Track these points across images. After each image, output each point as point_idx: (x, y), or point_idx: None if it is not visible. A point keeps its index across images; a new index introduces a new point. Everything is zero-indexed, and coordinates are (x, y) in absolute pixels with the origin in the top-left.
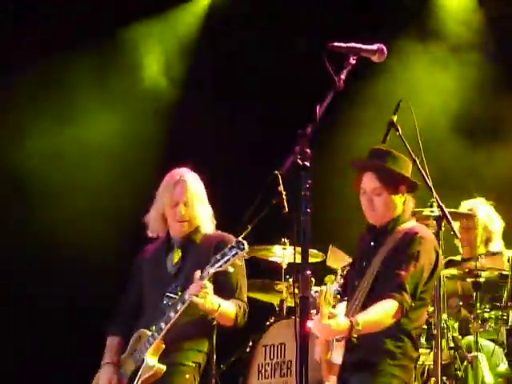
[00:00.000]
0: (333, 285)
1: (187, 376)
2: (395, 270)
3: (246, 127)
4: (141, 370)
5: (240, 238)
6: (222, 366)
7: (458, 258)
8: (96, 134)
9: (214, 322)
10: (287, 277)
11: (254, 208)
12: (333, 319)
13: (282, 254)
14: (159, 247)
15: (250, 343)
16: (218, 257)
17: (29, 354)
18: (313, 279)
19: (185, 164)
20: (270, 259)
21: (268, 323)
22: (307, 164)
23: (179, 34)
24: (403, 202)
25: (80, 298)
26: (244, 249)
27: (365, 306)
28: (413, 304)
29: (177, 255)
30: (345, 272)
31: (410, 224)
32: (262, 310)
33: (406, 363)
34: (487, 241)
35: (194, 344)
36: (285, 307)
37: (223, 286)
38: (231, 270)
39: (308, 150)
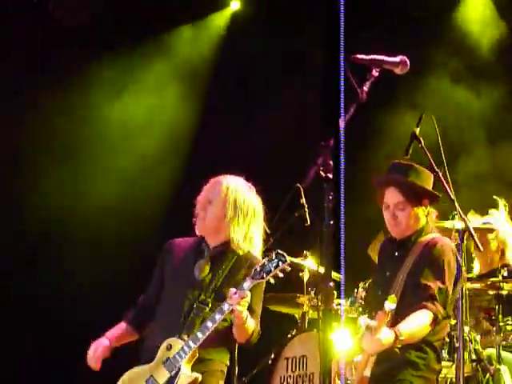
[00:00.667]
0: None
1: (220, 382)
2: (425, 281)
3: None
4: (177, 378)
5: (280, 251)
6: (243, 378)
7: (472, 275)
8: None
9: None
10: (309, 289)
11: (276, 221)
12: (380, 333)
13: (304, 266)
14: (189, 248)
15: (272, 355)
16: (258, 268)
17: (29, 354)
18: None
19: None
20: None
21: (290, 336)
22: (330, 176)
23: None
24: (426, 215)
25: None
26: (286, 261)
27: (394, 317)
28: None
29: (207, 265)
30: (367, 285)
31: (432, 235)
32: (283, 323)
33: (428, 375)
34: (502, 253)
35: (218, 354)
36: (306, 320)
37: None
38: (272, 281)
39: (331, 162)
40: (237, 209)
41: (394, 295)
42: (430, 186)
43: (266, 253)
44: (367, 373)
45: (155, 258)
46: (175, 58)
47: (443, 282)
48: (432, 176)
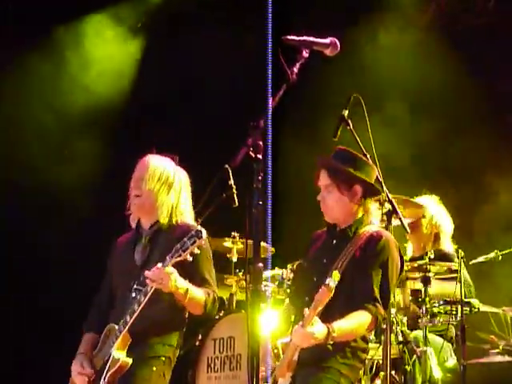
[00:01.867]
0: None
1: (154, 368)
2: (367, 281)
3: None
4: (108, 363)
5: (199, 227)
6: None
7: (406, 258)
8: None
9: (186, 315)
10: (237, 271)
11: (204, 202)
12: (313, 326)
13: (232, 247)
14: (128, 239)
15: (200, 337)
16: (178, 246)
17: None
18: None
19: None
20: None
21: (217, 317)
22: (259, 157)
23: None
24: (361, 205)
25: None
26: (202, 237)
27: (329, 306)
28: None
29: (143, 246)
30: (295, 266)
31: (373, 227)
32: None
33: (354, 363)
34: (436, 237)
35: (161, 338)
36: (234, 301)
37: (192, 276)
38: (190, 258)
39: (260, 143)
40: (164, 183)
41: (337, 271)
42: (368, 178)
43: None
44: (295, 357)
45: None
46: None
47: (387, 281)
48: (375, 171)
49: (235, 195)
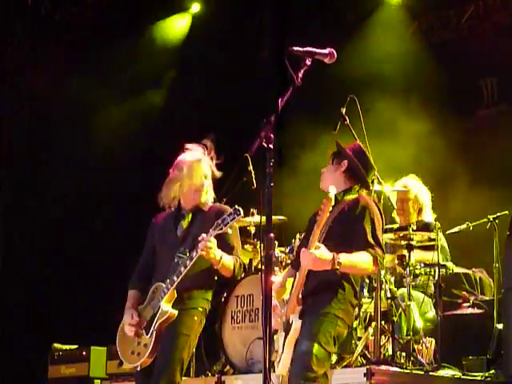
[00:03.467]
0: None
1: (195, 318)
2: (361, 232)
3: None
4: (157, 314)
5: (237, 207)
6: None
7: (395, 226)
8: None
9: (216, 278)
10: (255, 240)
11: (228, 185)
12: (318, 249)
13: (251, 221)
14: (169, 215)
15: (225, 294)
16: (219, 221)
17: None
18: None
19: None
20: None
21: (239, 278)
22: (271, 146)
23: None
24: (348, 177)
25: None
26: (240, 214)
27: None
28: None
29: (186, 222)
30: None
31: (355, 196)
32: None
33: (348, 308)
34: (419, 211)
35: (201, 293)
36: (253, 265)
37: (223, 246)
38: (229, 231)
39: (272, 135)
40: (201, 174)
41: (333, 186)
42: (360, 161)
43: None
44: (301, 294)
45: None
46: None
47: (375, 230)
48: (373, 170)
49: (253, 179)
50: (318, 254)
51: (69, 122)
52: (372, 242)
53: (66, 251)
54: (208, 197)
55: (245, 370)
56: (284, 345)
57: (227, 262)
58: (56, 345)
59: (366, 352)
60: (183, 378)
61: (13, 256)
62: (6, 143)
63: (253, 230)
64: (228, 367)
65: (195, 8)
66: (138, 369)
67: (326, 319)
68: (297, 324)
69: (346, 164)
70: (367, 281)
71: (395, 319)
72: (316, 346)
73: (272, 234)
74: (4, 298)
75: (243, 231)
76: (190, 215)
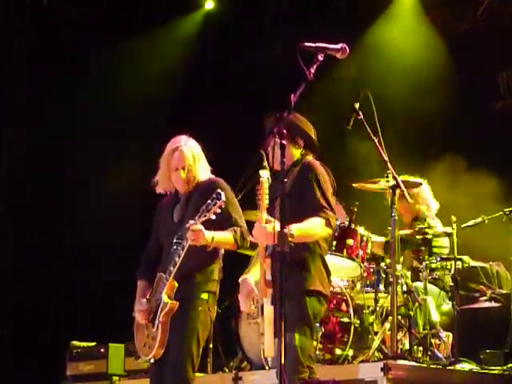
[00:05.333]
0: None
1: (200, 308)
2: (311, 195)
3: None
4: (160, 306)
5: (219, 190)
6: (217, 309)
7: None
8: None
9: (221, 251)
10: None
11: (243, 180)
12: (269, 224)
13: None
14: (169, 201)
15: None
16: (204, 207)
17: None
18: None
19: (184, 132)
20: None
21: (246, 246)
22: (284, 143)
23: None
24: (301, 153)
25: None
26: (221, 198)
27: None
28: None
29: (180, 206)
30: None
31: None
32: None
33: (322, 278)
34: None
35: (203, 275)
36: None
37: (220, 221)
38: (213, 217)
39: (285, 131)
40: (194, 159)
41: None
42: (307, 131)
43: None
44: (268, 277)
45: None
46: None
47: (324, 192)
48: (310, 128)
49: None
50: (270, 229)
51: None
52: (323, 203)
53: (84, 248)
54: (191, 177)
55: (261, 365)
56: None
57: (221, 237)
58: (74, 342)
59: (383, 347)
60: (200, 374)
61: (30, 252)
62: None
63: None
64: (245, 363)
65: (209, 5)
66: (152, 361)
67: (300, 301)
68: (268, 309)
69: (301, 144)
70: (383, 275)
71: (412, 313)
72: (297, 336)
73: (285, 230)
74: (22, 295)
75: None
76: (184, 198)
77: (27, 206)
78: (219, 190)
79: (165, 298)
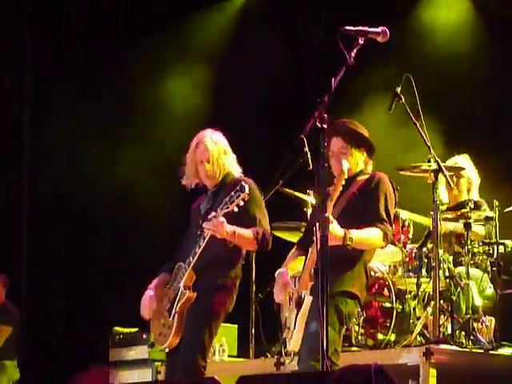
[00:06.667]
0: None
1: (214, 299)
2: (374, 206)
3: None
4: (178, 296)
5: (243, 183)
6: (259, 294)
7: (444, 207)
8: None
9: (242, 251)
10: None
11: (284, 166)
12: (331, 224)
13: (308, 202)
14: (200, 199)
15: None
16: (227, 199)
17: None
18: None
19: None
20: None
21: (268, 249)
22: (325, 127)
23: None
24: (364, 161)
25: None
26: (244, 191)
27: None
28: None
29: (208, 200)
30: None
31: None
32: (290, 248)
33: (362, 284)
34: (468, 190)
35: (220, 271)
36: None
37: (244, 219)
38: (236, 209)
39: (325, 115)
40: (220, 151)
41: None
42: (367, 137)
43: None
44: (312, 271)
45: None
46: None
47: (387, 205)
48: (366, 132)
49: (309, 160)
50: (331, 230)
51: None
52: (383, 216)
53: (127, 236)
54: (232, 170)
55: None
56: (296, 321)
57: (243, 234)
58: (117, 328)
59: (425, 331)
60: (242, 359)
61: (73, 243)
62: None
63: (309, 210)
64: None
65: None
66: (167, 350)
67: (338, 298)
68: (308, 300)
69: (364, 152)
70: (425, 260)
71: (454, 298)
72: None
73: (327, 214)
74: (66, 283)
75: (300, 210)
76: (211, 193)
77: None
78: (243, 183)
79: (182, 287)
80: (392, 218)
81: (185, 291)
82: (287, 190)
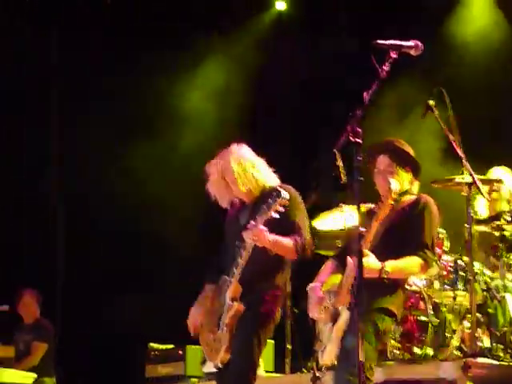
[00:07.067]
0: None
1: (263, 312)
2: (416, 232)
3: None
4: (225, 310)
5: (279, 188)
6: (295, 309)
7: (479, 217)
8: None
9: (285, 260)
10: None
11: (317, 180)
12: (367, 257)
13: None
14: (237, 208)
15: None
16: (264, 206)
17: None
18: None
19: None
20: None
21: (308, 256)
22: (359, 140)
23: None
24: (409, 181)
25: None
26: (280, 196)
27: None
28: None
29: (248, 211)
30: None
31: (416, 195)
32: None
33: (400, 302)
34: (509, 202)
35: (266, 280)
36: None
37: (283, 228)
38: (276, 215)
39: (359, 129)
40: (249, 166)
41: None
42: (414, 157)
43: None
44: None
45: None
46: (224, 59)
47: (431, 231)
48: (412, 151)
49: (342, 173)
50: (366, 264)
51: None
52: (427, 243)
53: (164, 248)
54: (268, 181)
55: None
56: (330, 335)
57: (282, 242)
58: (152, 344)
59: (462, 345)
60: (278, 374)
61: (109, 255)
62: None
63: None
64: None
65: (280, 6)
66: (220, 365)
67: (375, 314)
68: (346, 315)
69: (410, 171)
70: (462, 273)
71: (491, 311)
72: (365, 342)
73: (362, 227)
74: (103, 299)
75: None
76: (250, 204)
77: None
78: (279, 188)
79: (229, 300)
80: (435, 242)
81: (232, 303)
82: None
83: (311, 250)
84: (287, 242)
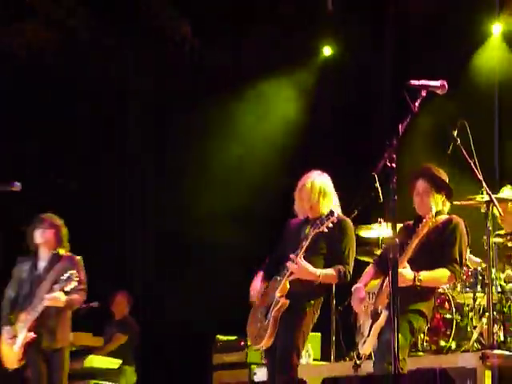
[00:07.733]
0: None
1: (307, 310)
2: (449, 248)
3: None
4: (273, 303)
5: (332, 209)
6: (339, 307)
7: (502, 232)
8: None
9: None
10: (382, 245)
11: (359, 199)
12: (403, 269)
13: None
14: (300, 221)
15: None
16: (318, 221)
17: None
18: None
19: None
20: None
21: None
22: (394, 165)
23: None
24: (442, 202)
25: None
26: (333, 215)
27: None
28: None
29: (308, 228)
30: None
31: (447, 215)
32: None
33: (431, 304)
34: None
35: (306, 296)
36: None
37: (333, 252)
38: (326, 230)
39: (394, 156)
40: (319, 194)
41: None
42: (447, 182)
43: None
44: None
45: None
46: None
47: (461, 248)
48: (446, 177)
49: (380, 193)
50: (402, 273)
51: None
52: (456, 257)
53: (229, 246)
54: (318, 209)
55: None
56: (370, 329)
57: (326, 274)
58: (219, 336)
59: (481, 339)
60: (325, 362)
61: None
62: None
63: (381, 236)
64: None
65: (327, 51)
66: (263, 348)
67: (411, 314)
68: (384, 314)
69: (444, 194)
70: (480, 278)
71: (505, 310)
72: (400, 336)
73: (397, 240)
74: (179, 296)
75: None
76: (312, 220)
77: None
78: (333, 209)
79: (277, 296)
80: (464, 260)
81: (279, 299)
82: None
83: (350, 277)
84: (331, 272)
